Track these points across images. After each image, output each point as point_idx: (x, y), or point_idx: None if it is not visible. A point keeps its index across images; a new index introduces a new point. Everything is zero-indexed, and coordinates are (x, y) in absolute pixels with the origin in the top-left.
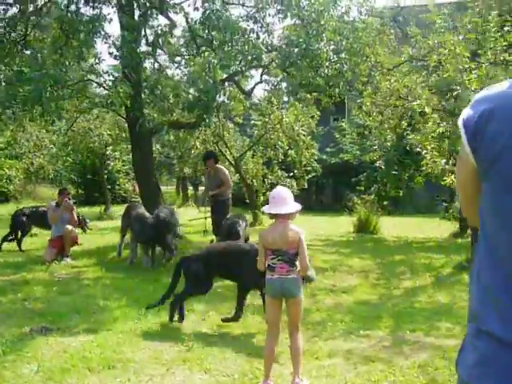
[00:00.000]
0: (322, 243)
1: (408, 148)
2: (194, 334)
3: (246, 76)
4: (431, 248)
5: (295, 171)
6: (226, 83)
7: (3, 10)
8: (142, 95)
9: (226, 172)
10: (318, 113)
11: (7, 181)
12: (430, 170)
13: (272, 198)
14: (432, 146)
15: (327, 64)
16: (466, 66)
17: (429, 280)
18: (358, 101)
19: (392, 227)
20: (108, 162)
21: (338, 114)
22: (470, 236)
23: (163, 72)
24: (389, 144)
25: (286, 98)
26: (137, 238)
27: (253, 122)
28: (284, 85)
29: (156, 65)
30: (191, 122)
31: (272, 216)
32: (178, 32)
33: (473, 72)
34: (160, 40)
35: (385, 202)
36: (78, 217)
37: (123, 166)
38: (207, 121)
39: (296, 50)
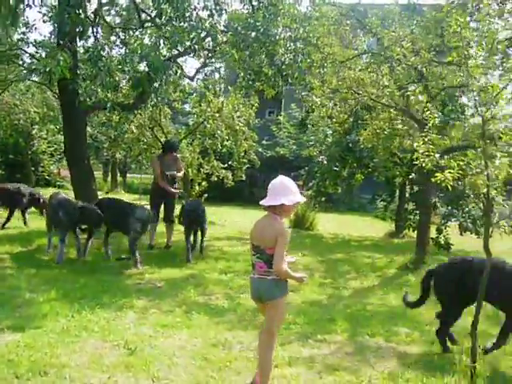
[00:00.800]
0: None
1: (350, 144)
2: (136, 334)
3: (198, 56)
4: (369, 247)
5: (230, 162)
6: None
7: None
8: (78, 70)
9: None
10: (256, 104)
11: None
12: (424, 165)
13: (268, 190)
14: (428, 138)
15: (282, 51)
16: (472, 51)
17: (375, 280)
18: (304, 93)
19: (326, 224)
20: (33, 142)
21: (274, 107)
22: (417, 237)
23: (102, 46)
24: (329, 140)
25: (221, 87)
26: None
27: (188, 109)
28: (221, 72)
29: (94, 38)
30: (130, 102)
31: (264, 208)
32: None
33: (478, 58)
34: (103, 10)
35: (323, 198)
36: (38, 199)
37: (49, 147)
38: (156, 100)
39: (253, 33)
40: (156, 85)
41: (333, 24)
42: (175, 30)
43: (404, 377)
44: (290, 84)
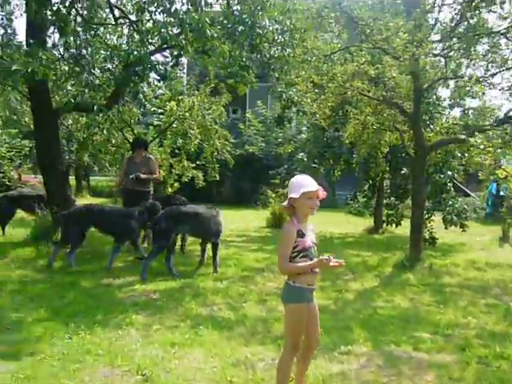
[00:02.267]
0: (240, 239)
1: (329, 141)
2: (146, 357)
3: (187, 52)
4: (353, 244)
5: (198, 162)
6: None
7: None
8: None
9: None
10: (227, 102)
11: None
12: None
13: None
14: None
15: (267, 45)
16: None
17: (374, 281)
18: (279, 89)
19: None
20: None
21: (237, 105)
22: (410, 233)
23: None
24: (304, 136)
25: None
26: None
27: (153, 109)
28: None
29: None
30: (102, 103)
31: None
32: None
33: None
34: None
35: None
36: None
37: (8, 151)
38: (139, 96)
39: (240, 27)
40: (142, 83)
41: (316, 17)
42: (161, 25)
43: None
44: (277, 79)
